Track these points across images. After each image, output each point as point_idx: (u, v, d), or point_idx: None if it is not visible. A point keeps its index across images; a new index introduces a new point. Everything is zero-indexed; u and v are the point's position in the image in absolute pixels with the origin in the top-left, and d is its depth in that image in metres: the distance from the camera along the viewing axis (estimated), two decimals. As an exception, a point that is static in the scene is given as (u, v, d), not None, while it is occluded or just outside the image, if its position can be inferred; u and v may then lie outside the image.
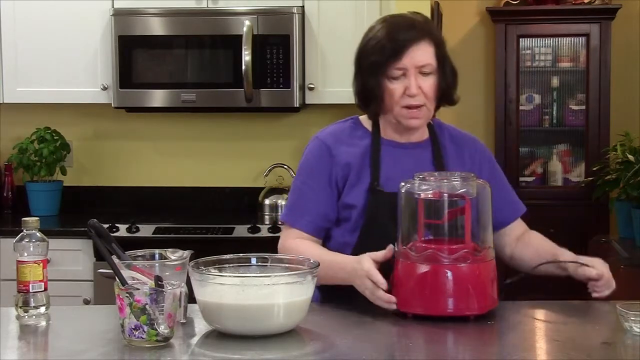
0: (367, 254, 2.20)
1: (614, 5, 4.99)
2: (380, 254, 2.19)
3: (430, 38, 2.37)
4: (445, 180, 2.19)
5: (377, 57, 2.35)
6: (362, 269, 2.17)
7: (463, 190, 2.16)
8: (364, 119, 2.50)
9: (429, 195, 2.16)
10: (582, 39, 5.07)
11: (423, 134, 2.48)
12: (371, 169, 2.41)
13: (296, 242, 2.41)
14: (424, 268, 2.11)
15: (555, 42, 5.16)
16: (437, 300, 2.10)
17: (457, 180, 2.18)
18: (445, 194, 2.16)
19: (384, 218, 2.35)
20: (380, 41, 2.36)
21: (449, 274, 2.10)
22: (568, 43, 5.16)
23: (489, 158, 2.54)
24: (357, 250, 2.34)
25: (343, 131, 2.48)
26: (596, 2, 5.04)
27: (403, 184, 2.20)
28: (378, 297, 2.14)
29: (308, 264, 2.09)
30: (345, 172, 2.42)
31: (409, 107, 2.36)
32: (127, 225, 3.98)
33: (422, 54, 2.34)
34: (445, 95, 2.43)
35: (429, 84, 2.36)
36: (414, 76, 2.34)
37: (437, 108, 2.46)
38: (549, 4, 5.07)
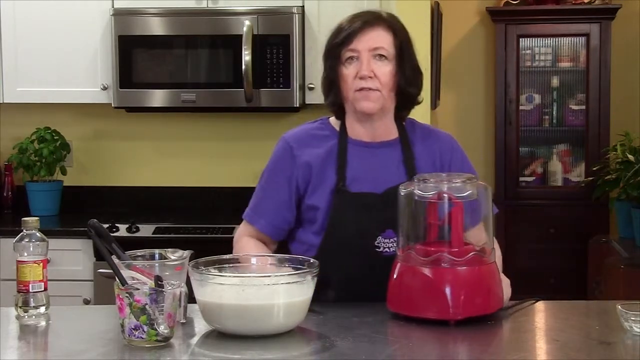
0: None
1: (614, 5, 5.00)
2: None
3: (388, 25, 2.37)
4: (445, 182, 2.17)
5: (333, 41, 2.38)
6: None
7: (463, 192, 2.15)
8: (333, 120, 2.48)
9: (429, 197, 2.15)
10: (582, 39, 5.07)
11: (391, 133, 2.44)
12: (337, 169, 2.38)
13: (243, 244, 2.45)
14: (427, 271, 2.10)
15: (555, 42, 5.17)
16: (442, 303, 2.07)
17: (457, 182, 2.17)
18: (445, 196, 2.14)
19: (350, 219, 2.34)
20: (338, 27, 2.40)
21: (452, 277, 2.09)
22: (568, 43, 5.17)
23: (461, 156, 2.48)
24: (321, 252, 2.33)
25: (308, 132, 2.47)
26: (596, 2, 5.05)
27: (403, 186, 2.19)
28: None
29: (308, 264, 2.08)
30: (306, 173, 2.40)
31: (361, 90, 2.34)
32: (127, 225, 3.98)
33: (375, 36, 2.34)
34: (405, 92, 2.39)
35: (383, 70, 2.34)
36: (366, 59, 2.33)
37: (402, 108, 2.42)
38: (549, 4, 5.07)
